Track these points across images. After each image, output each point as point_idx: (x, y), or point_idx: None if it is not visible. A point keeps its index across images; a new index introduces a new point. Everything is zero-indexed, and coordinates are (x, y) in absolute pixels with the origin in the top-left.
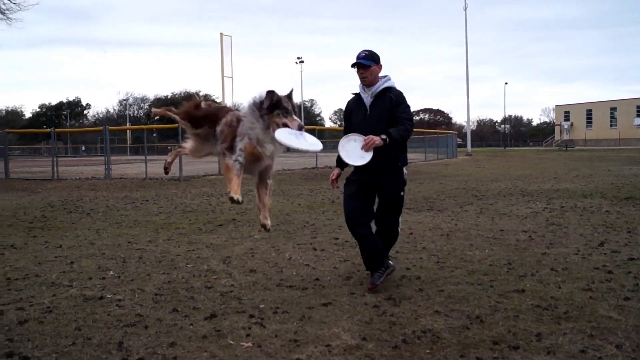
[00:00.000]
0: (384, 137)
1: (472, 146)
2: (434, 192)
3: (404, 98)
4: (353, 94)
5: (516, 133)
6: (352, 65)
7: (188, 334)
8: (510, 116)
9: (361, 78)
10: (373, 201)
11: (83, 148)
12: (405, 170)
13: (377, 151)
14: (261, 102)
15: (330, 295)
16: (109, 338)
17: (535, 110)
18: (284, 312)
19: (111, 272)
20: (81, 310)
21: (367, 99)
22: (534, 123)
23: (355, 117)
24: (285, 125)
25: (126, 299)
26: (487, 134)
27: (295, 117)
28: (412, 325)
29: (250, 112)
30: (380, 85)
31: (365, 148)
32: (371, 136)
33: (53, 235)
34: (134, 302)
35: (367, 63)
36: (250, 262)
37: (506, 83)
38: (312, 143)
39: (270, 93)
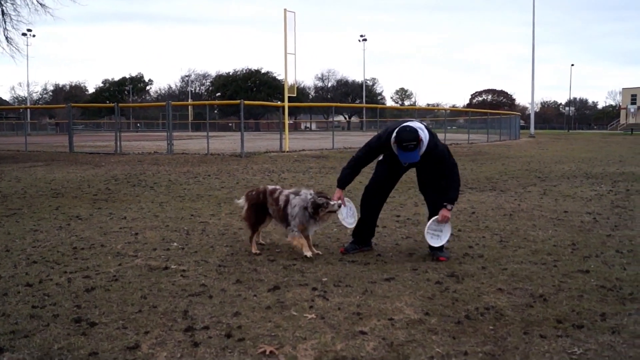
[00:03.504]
0: (449, 207)
1: (535, 128)
2: (497, 172)
3: (443, 156)
4: (387, 148)
5: (580, 116)
6: (401, 160)
7: (252, 305)
8: (575, 98)
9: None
10: (394, 184)
11: (138, 124)
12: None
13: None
14: (312, 207)
15: (393, 270)
16: (174, 307)
17: (601, 93)
18: (346, 286)
19: (175, 244)
20: (146, 280)
21: (403, 162)
22: (600, 106)
23: (390, 164)
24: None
25: (190, 270)
26: (550, 116)
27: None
28: (475, 302)
29: (302, 208)
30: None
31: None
32: (444, 215)
33: (117, 207)
34: (198, 273)
35: (416, 159)
36: (312, 237)
37: (572, 64)
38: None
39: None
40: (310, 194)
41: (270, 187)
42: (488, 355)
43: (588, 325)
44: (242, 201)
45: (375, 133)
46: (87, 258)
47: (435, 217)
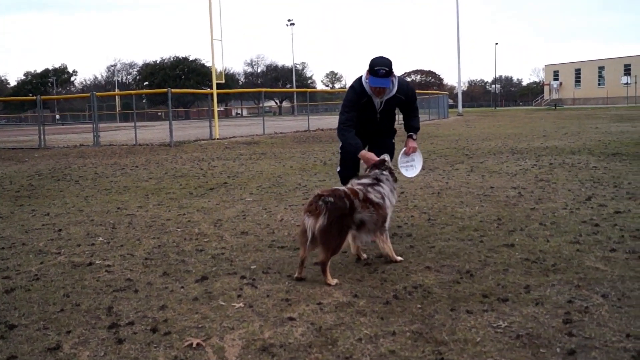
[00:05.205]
0: (414, 137)
1: (463, 106)
2: (425, 151)
3: (413, 93)
4: (362, 89)
5: (506, 93)
6: (372, 84)
7: (179, 297)
8: (500, 76)
9: (377, 93)
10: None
11: (58, 117)
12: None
13: (381, 132)
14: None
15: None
16: (98, 303)
17: (525, 70)
18: (275, 273)
19: (100, 238)
20: (69, 277)
21: (377, 102)
22: (524, 83)
23: (363, 114)
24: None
25: (116, 265)
26: (478, 94)
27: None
28: (403, 282)
29: (390, 182)
30: (392, 92)
31: (411, 151)
32: (411, 145)
33: (40, 204)
34: (124, 267)
35: (388, 85)
36: (241, 224)
37: (497, 43)
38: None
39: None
40: (380, 170)
41: (344, 188)
42: (416, 334)
43: (513, 298)
44: (309, 220)
45: (306, 117)
46: (7, 258)
47: (403, 149)
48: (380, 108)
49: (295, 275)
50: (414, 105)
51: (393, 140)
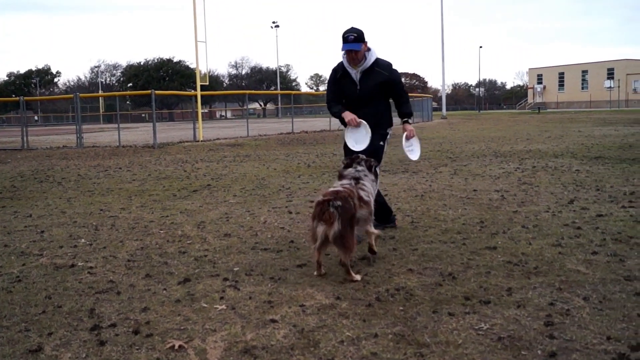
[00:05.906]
0: (410, 121)
1: (447, 109)
2: None
3: (397, 75)
4: (339, 66)
5: (490, 96)
6: (343, 49)
7: (161, 299)
8: (484, 80)
9: (351, 60)
10: None
11: (36, 118)
12: (389, 130)
13: (367, 116)
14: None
15: (305, 257)
16: (80, 305)
17: (509, 73)
18: (258, 275)
19: (83, 240)
20: (52, 279)
21: (355, 75)
22: (508, 86)
23: (344, 91)
24: None
25: (98, 266)
26: (462, 97)
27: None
28: (385, 284)
29: (368, 178)
30: (368, 62)
31: (411, 135)
32: (410, 129)
33: (23, 205)
34: (106, 269)
35: (358, 48)
36: (224, 226)
37: (481, 46)
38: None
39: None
40: (355, 168)
41: (342, 188)
42: (398, 336)
43: (495, 301)
44: (322, 227)
45: (291, 119)
46: None
47: (404, 134)
48: (359, 78)
49: (315, 273)
50: (401, 90)
51: (381, 143)
